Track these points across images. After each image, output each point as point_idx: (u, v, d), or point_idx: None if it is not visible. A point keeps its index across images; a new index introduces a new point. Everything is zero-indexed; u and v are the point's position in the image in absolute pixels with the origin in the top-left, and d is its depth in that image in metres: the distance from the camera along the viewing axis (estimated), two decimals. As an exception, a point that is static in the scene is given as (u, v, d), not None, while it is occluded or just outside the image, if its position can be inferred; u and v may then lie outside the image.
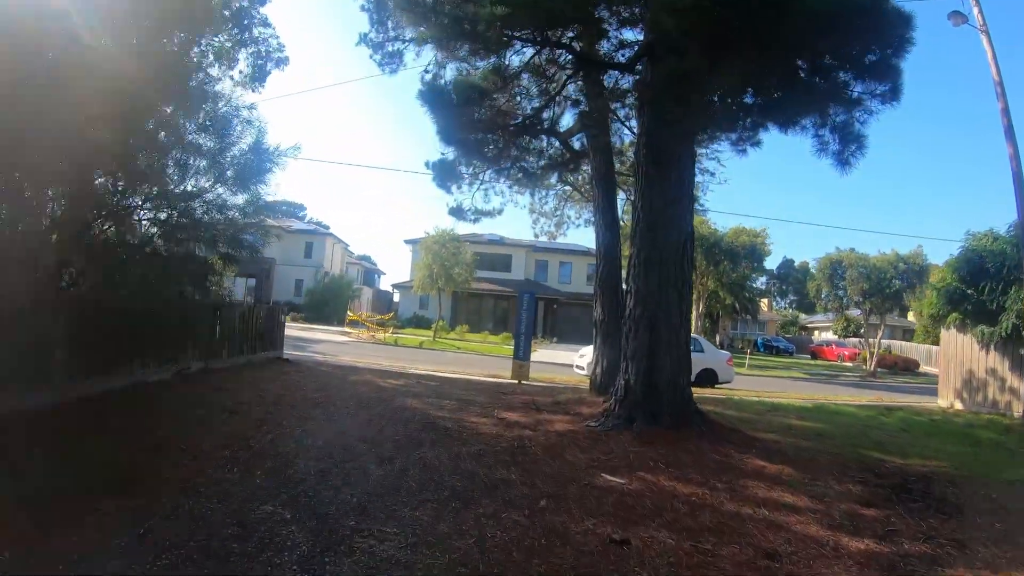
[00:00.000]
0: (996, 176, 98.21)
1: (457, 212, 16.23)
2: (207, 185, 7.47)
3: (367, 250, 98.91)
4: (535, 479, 5.24)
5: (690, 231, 8.25)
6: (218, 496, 4.48)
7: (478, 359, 22.55)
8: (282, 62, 21.57)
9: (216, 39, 20.03)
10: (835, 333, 52.92)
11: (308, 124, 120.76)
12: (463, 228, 36.52)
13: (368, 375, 11.88)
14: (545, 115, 9.21)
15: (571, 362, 21.25)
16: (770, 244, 30.55)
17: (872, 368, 29.95)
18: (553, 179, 17.30)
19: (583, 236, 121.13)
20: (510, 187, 17.07)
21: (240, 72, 20.98)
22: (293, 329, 29.70)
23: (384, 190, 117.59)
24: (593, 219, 11.39)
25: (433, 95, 7.71)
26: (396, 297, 46.98)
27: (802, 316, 62.26)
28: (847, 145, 7.38)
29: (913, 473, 7.52)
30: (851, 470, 7.22)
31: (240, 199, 7.70)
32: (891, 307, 29.76)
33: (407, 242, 39.35)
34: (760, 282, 45.38)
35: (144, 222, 7.92)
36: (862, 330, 49.45)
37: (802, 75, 7.45)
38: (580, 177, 17.01)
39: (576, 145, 13.56)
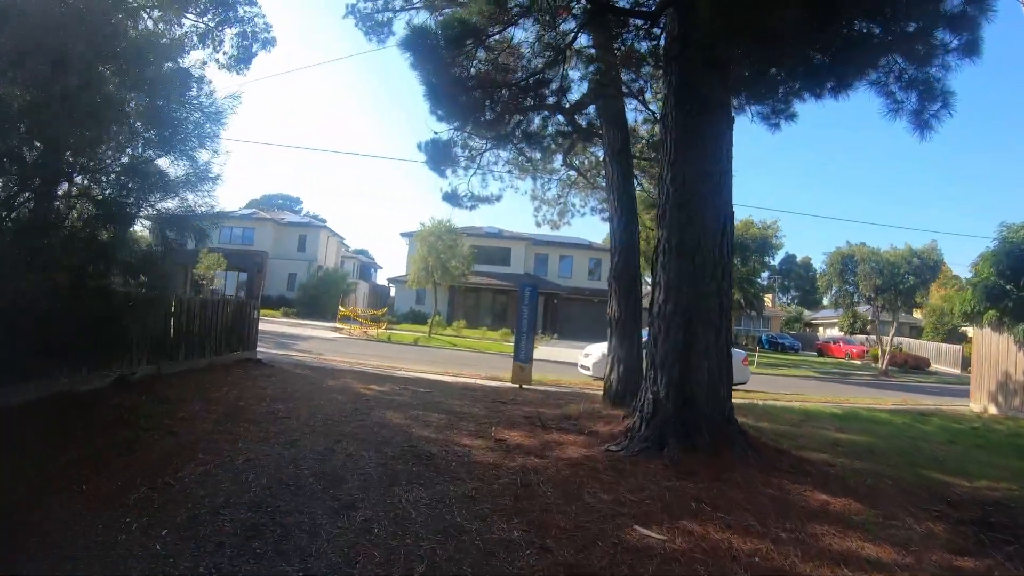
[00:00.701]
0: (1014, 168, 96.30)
1: (452, 198, 14.85)
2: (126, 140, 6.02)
3: (365, 245, 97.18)
4: (546, 537, 3.83)
5: (730, 210, 6.88)
6: (96, 571, 3.13)
7: (475, 357, 21.20)
8: (268, 43, 20.17)
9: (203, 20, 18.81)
10: (841, 330, 51.65)
11: (298, 113, 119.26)
12: (460, 218, 34.93)
13: (349, 379, 10.50)
14: (551, 75, 7.80)
15: (574, 360, 19.96)
16: (782, 237, 29.25)
17: (884, 367, 28.88)
18: (557, 163, 15.96)
19: (587, 228, 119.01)
20: (509, 172, 15.71)
21: (225, 54, 19.64)
22: (282, 325, 28.31)
23: (382, 184, 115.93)
24: (605, 202, 10.01)
25: (417, 40, 6.25)
26: (393, 292, 45.62)
27: (805, 312, 60.89)
28: (928, 104, 6.02)
29: (987, 500, 6.34)
30: (921, 499, 5.98)
31: (181, 170, 6.27)
32: (903, 303, 28.69)
33: (403, 235, 37.82)
34: (763, 277, 43.97)
35: (72, 199, 6.55)
36: (868, 327, 48.47)
37: (869, 20, 6.12)
38: (587, 160, 15.63)
39: (584, 123, 12.22)
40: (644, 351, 8.40)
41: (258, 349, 12.23)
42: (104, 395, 7.11)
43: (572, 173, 16.20)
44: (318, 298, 37.67)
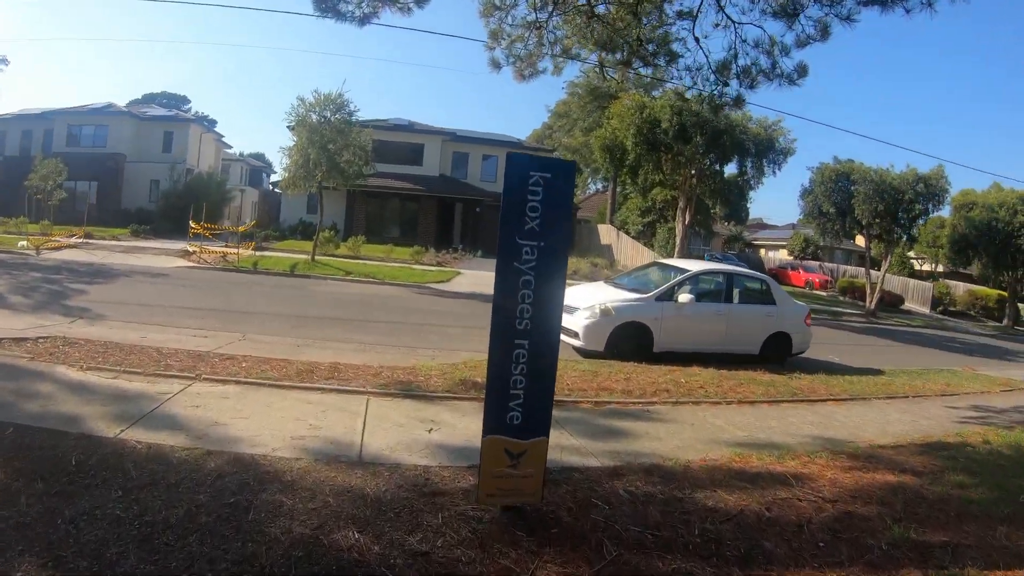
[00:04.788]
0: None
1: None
2: None
3: (264, 150, 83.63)
4: None
5: None
6: None
7: (375, 296, 14.37)
8: None
9: None
10: (791, 253, 47.66)
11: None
12: (359, 103, 24.89)
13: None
14: None
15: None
16: (793, 141, 23.25)
17: (873, 305, 24.95)
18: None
19: (520, 119, 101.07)
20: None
21: None
22: (114, 251, 19.48)
23: (291, 79, 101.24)
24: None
25: None
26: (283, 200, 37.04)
27: (746, 232, 55.84)
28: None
29: None
30: None
31: None
32: (901, 234, 24.69)
33: (290, 128, 28.52)
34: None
35: None
36: (820, 252, 44.53)
37: None
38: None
39: None
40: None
41: None
42: None
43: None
44: (185, 210, 28.92)
